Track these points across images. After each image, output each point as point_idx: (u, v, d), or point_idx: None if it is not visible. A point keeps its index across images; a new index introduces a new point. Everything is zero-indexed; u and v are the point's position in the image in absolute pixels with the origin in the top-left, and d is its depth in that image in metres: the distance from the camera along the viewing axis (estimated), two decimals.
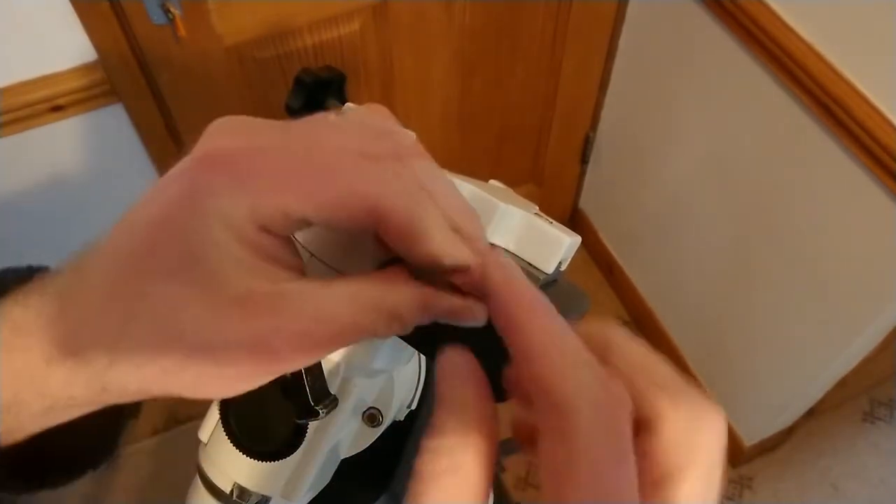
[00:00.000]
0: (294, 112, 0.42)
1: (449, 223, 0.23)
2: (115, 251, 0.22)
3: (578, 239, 0.34)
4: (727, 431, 0.21)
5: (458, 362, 0.22)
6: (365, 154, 0.22)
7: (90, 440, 0.29)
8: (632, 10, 1.40)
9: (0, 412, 0.22)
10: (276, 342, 0.21)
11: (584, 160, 1.75)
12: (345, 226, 0.22)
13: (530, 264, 0.32)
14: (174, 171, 0.22)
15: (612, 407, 0.19)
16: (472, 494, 0.19)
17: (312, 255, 0.28)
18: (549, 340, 0.20)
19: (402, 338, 0.33)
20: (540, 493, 0.18)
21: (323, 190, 0.21)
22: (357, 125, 0.24)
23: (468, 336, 0.28)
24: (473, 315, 0.25)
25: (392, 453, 0.46)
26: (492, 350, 0.30)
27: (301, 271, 0.23)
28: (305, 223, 0.22)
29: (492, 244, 0.33)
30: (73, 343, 0.22)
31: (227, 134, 0.22)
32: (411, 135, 0.26)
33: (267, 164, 0.21)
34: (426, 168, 0.24)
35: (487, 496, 0.20)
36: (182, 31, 1.01)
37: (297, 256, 0.23)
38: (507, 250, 0.33)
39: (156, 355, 0.21)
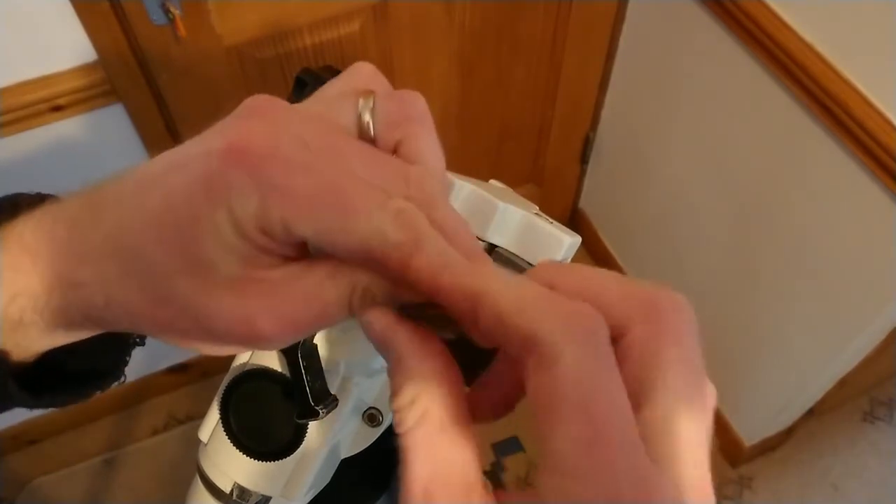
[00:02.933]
0: None
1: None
2: (130, 207, 0.23)
3: (578, 239, 0.34)
4: (692, 315, 0.20)
5: (384, 321, 0.22)
6: (381, 190, 0.22)
7: (98, 362, 0.31)
8: (632, 10, 1.40)
9: (3, 326, 0.24)
10: (260, 322, 0.22)
11: (584, 160, 1.75)
12: (339, 256, 0.23)
13: (530, 264, 0.32)
14: (204, 145, 0.23)
15: (583, 322, 0.18)
16: (447, 430, 0.20)
17: None
18: (497, 288, 0.20)
19: None
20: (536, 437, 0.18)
21: (329, 223, 0.22)
22: (385, 160, 0.24)
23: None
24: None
25: (392, 453, 0.46)
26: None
27: (296, 256, 0.24)
28: (303, 241, 0.23)
29: (493, 244, 0.33)
30: (75, 277, 0.23)
31: (262, 124, 0.23)
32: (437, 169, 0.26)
33: (287, 177, 0.21)
34: (439, 207, 0.24)
35: (466, 424, 0.20)
36: (182, 31, 1.01)
37: (294, 248, 0.24)
38: (507, 250, 0.33)
39: (147, 310, 0.23)
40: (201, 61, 1.08)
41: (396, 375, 0.21)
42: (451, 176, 0.33)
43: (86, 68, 1.01)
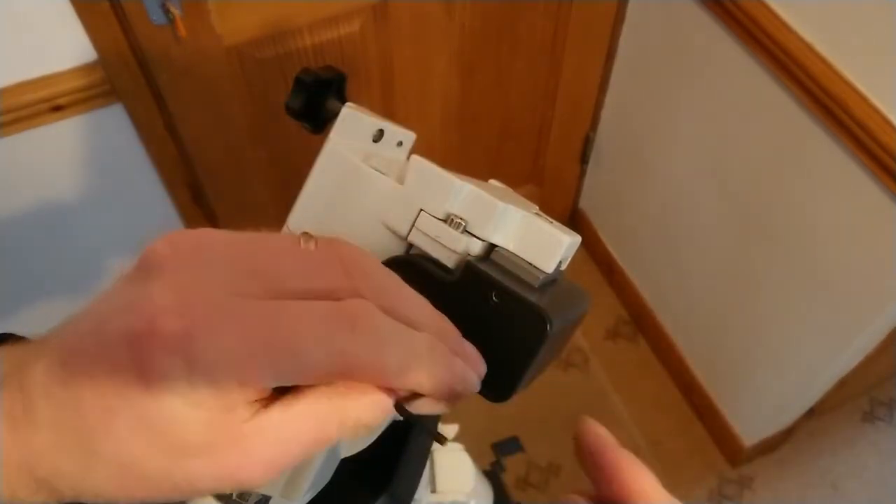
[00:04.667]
0: (294, 112, 0.42)
1: (412, 347, 0.23)
2: (66, 396, 0.21)
3: (578, 239, 0.34)
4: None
5: None
6: (324, 309, 0.22)
7: None
8: (632, 10, 1.40)
9: None
10: (241, 475, 0.22)
11: (584, 160, 1.75)
12: (311, 384, 0.22)
13: (530, 264, 0.32)
14: (120, 321, 0.21)
15: None
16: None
17: None
18: None
19: None
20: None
21: (285, 366, 0.21)
22: (312, 257, 0.24)
23: (470, 334, 0.28)
24: (436, 411, 0.26)
25: (392, 453, 0.46)
26: (493, 348, 0.30)
27: (261, 394, 0.23)
28: (266, 390, 0.22)
29: (493, 244, 0.33)
30: (35, 475, 0.22)
31: (171, 290, 0.21)
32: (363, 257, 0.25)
33: (222, 339, 0.21)
34: (383, 286, 0.24)
35: None
36: (182, 31, 1.01)
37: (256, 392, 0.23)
38: (507, 250, 0.33)
39: (122, 493, 0.22)
40: (201, 61, 1.08)
41: None
42: (452, 176, 0.33)
43: (86, 68, 1.01)
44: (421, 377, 0.24)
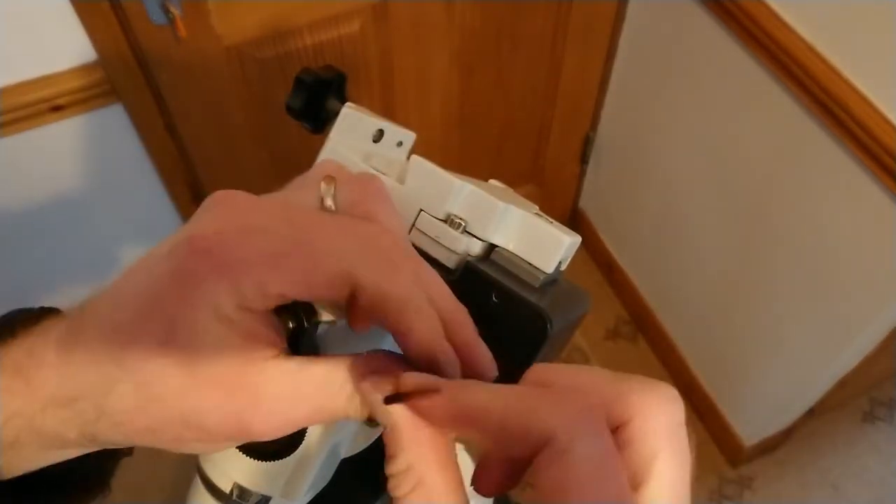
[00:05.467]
0: (295, 112, 0.42)
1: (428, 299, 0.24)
2: (105, 318, 0.24)
3: (578, 239, 0.34)
4: (683, 404, 0.22)
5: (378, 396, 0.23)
6: (344, 221, 0.24)
7: (83, 474, 0.30)
8: (632, 10, 1.40)
9: (1, 450, 0.24)
10: (249, 419, 0.23)
11: (584, 160, 1.75)
12: (323, 299, 0.23)
13: (530, 264, 0.32)
14: (168, 246, 0.23)
15: (589, 415, 0.20)
16: (441, 498, 0.21)
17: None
18: (489, 398, 0.21)
19: None
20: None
21: (298, 268, 0.22)
22: (349, 222, 0.25)
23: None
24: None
25: None
26: (493, 349, 0.30)
27: (280, 345, 0.24)
28: (284, 298, 0.23)
29: (493, 244, 0.33)
30: (65, 394, 0.23)
31: (217, 215, 0.24)
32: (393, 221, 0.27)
33: (247, 246, 0.22)
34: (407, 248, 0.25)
35: (460, 493, 0.21)
36: (182, 31, 1.01)
37: (275, 331, 0.24)
38: (507, 250, 0.33)
39: (137, 417, 0.23)
40: (201, 61, 1.08)
41: (391, 443, 0.22)
42: (452, 176, 0.33)
43: (86, 68, 1.01)
44: (417, 323, 0.24)
